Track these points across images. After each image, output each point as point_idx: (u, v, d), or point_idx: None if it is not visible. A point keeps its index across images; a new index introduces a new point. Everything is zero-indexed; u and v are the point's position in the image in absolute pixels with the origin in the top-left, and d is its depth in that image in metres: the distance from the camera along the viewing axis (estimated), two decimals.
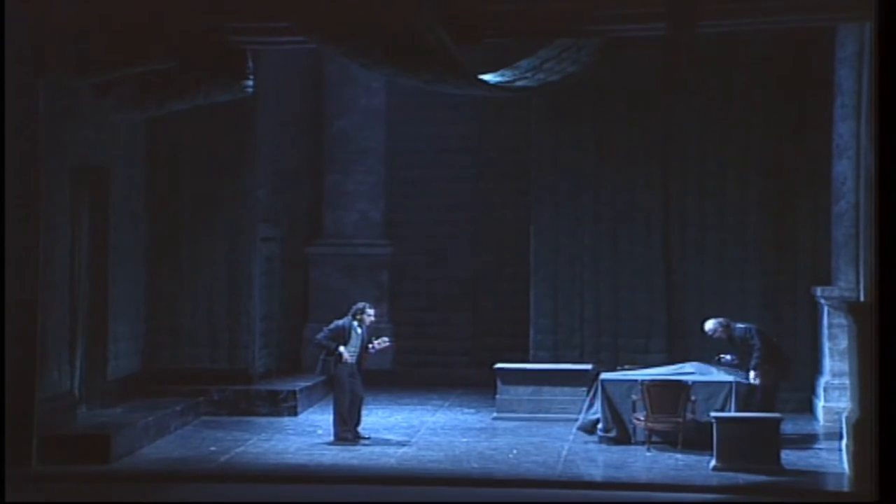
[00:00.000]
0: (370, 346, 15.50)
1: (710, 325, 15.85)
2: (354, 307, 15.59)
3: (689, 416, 14.77)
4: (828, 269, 16.97)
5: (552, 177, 18.43)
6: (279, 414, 17.24)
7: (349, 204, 20.80)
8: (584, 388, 16.49)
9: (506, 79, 15.31)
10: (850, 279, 16.19)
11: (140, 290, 17.50)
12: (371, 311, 15.59)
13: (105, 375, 16.31)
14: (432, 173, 20.88)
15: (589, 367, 17.20)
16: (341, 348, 15.28)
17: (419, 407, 18.17)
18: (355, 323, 15.42)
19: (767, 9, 13.65)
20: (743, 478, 13.37)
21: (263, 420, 16.95)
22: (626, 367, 16.31)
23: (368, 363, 15.80)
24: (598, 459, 14.56)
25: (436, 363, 20.59)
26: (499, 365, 17.46)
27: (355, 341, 15.41)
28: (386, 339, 15.84)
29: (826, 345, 16.67)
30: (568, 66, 15.74)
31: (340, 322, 15.45)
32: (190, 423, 16.53)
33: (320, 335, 15.46)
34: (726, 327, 15.78)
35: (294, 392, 17.56)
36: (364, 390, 15.70)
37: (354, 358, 15.40)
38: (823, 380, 16.71)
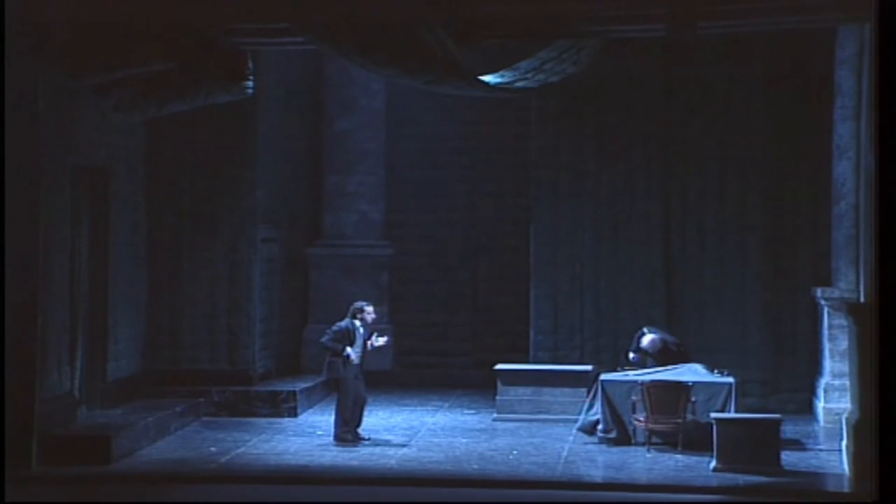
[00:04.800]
0: (368, 342, 15.48)
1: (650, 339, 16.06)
2: (353, 307, 15.59)
3: (689, 417, 14.77)
4: (828, 270, 16.97)
5: (552, 177, 18.42)
6: (279, 415, 17.23)
7: (349, 205, 20.78)
8: (584, 389, 16.48)
9: (506, 80, 15.33)
10: (851, 280, 16.20)
11: (140, 290, 17.50)
12: (370, 310, 15.59)
13: (105, 376, 16.30)
14: (432, 173, 20.87)
15: (589, 367, 17.19)
16: (348, 349, 15.27)
17: (419, 408, 18.16)
18: (357, 322, 15.42)
19: (767, 10, 13.65)
20: (743, 479, 13.38)
21: (263, 421, 16.95)
22: (626, 367, 16.29)
23: (368, 363, 15.80)
24: (598, 460, 14.57)
25: (436, 364, 20.59)
26: (499, 366, 17.45)
27: (359, 341, 15.42)
28: (385, 336, 15.81)
29: (826, 346, 16.66)
30: (568, 67, 15.76)
31: (343, 323, 15.44)
32: (190, 424, 16.53)
33: (325, 338, 15.42)
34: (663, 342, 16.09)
35: (294, 393, 17.56)
36: (366, 391, 15.71)
37: (359, 358, 15.41)
38: (823, 381, 16.71)
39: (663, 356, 15.96)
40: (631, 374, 15.58)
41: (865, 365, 12.45)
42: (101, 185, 16.28)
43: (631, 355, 16.21)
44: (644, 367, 15.84)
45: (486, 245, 20.79)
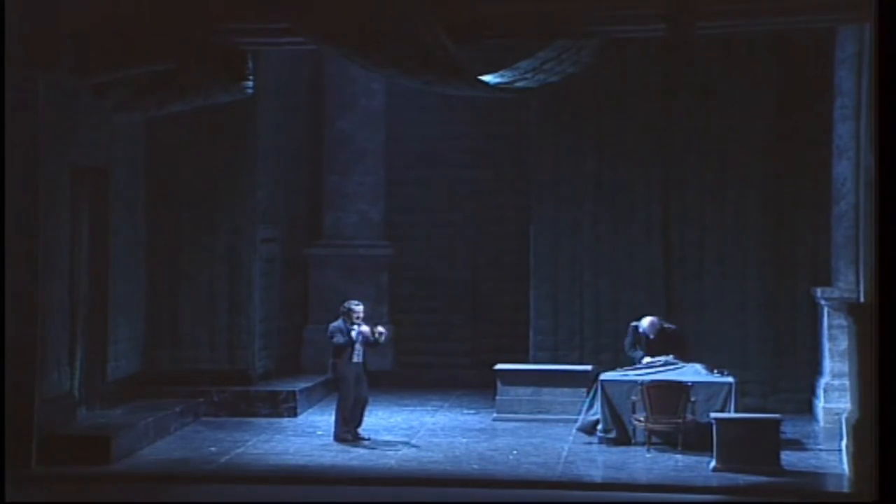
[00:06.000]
0: (372, 335, 15.43)
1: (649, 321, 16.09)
2: (341, 308, 15.60)
3: (689, 417, 14.77)
4: (828, 270, 16.98)
5: (552, 177, 18.43)
6: (279, 415, 17.24)
7: (349, 205, 20.78)
8: (584, 389, 16.49)
9: (506, 80, 15.31)
10: (850, 280, 16.20)
11: (140, 290, 17.49)
12: (359, 309, 15.56)
13: (105, 376, 16.30)
14: (432, 173, 20.87)
15: (589, 367, 17.20)
16: (356, 329, 15.24)
17: (419, 408, 18.17)
18: (351, 323, 15.42)
19: (767, 10, 13.64)
20: (743, 479, 13.38)
21: (263, 421, 16.95)
22: (630, 366, 16.27)
23: (369, 363, 15.81)
24: (597, 460, 14.57)
25: (436, 364, 20.58)
26: (499, 366, 17.46)
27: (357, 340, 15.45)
28: (382, 329, 15.73)
29: (826, 346, 16.67)
30: (568, 67, 15.73)
31: (337, 323, 15.49)
32: (189, 424, 16.53)
33: (339, 338, 15.38)
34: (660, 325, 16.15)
35: (294, 393, 17.57)
36: (369, 392, 15.72)
37: (361, 357, 15.42)
38: (823, 381, 16.71)
39: (661, 337, 15.96)
40: (631, 374, 15.58)
41: (865, 365, 12.45)
42: (101, 185, 16.27)
43: (646, 359, 16.03)
44: (647, 354, 15.83)
45: (486, 245, 20.79)
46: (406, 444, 15.40)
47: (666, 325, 16.23)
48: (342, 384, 15.46)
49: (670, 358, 15.72)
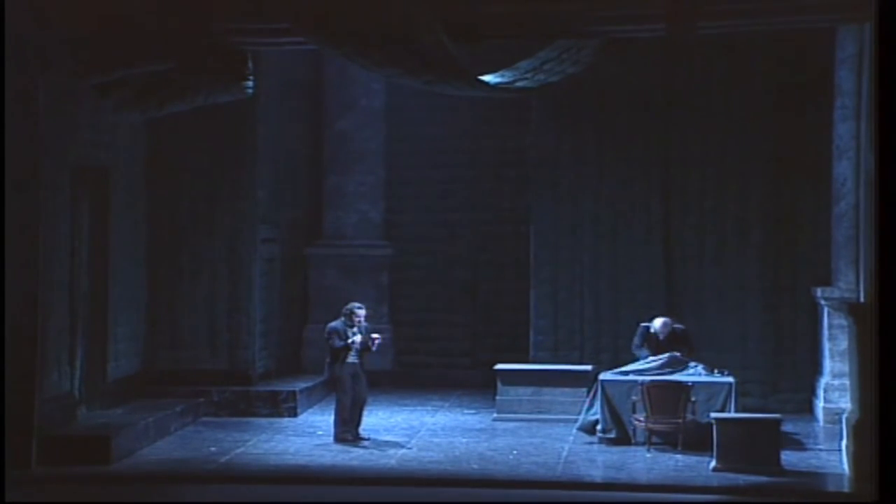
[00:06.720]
0: (371, 342, 15.43)
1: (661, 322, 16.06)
2: (344, 310, 15.58)
3: (689, 416, 14.77)
4: (828, 270, 16.98)
5: (552, 177, 18.43)
6: (279, 415, 17.24)
7: (349, 205, 20.79)
8: (584, 389, 16.49)
9: (506, 80, 15.33)
10: (851, 280, 16.20)
11: (140, 290, 17.50)
12: (362, 313, 15.56)
13: (105, 376, 16.30)
14: (432, 173, 20.87)
15: (589, 367, 17.20)
16: (352, 338, 15.24)
17: (419, 408, 18.17)
18: (351, 326, 15.40)
19: (767, 10, 13.65)
20: (743, 479, 13.38)
21: (263, 421, 16.96)
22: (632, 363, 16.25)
23: (368, 363, 15.80)
24: (598, 460, 14.57)
25: (436, 364, 20.59)
26: (499, 366, 17.46)
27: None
28: (376, 336, 15.73)
29: (826, 346, 16.67)
30: (568, 67, 15.76)
31: (335, 324, 15.47)
32: (190, 424, 16.53)
33: (335, 342, 15.39)
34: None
35: (294, 393, 17.57)
36: (367, 392, 15.72)
37: (358, 357, 15.42)
38: (823, 380, 16.72)
39: (671, 337, 15.95)
40: (631, 374, 15.57)
41: (865, 365, 12.46)
42: (101, 185, 16.28)
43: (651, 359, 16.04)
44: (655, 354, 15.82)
45: (486, 245, 20.79)
46: (406, 444, 15.39)
47: (676, 326, 16.21)
48: (339, 385, 15.46)
49: (676, 354, 15.68)
